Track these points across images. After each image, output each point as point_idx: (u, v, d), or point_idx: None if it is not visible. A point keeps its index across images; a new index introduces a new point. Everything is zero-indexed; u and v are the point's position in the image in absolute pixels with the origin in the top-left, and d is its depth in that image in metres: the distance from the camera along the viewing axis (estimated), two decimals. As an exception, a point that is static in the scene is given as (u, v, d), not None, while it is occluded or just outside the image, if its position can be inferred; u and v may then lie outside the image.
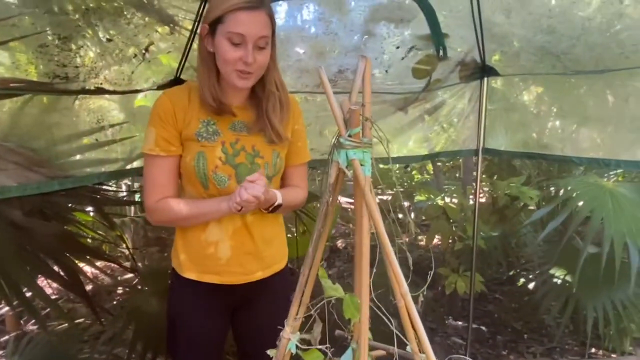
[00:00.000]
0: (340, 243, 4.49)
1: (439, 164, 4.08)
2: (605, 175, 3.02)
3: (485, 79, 2.07)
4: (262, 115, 1.16)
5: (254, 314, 1.29)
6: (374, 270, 0.68)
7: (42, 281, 1.94)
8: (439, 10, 1.68)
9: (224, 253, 1.17)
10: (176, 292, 1.25)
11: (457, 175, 4.89)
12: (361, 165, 0.69)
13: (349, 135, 0.68)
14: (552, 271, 2.70)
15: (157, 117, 1.12)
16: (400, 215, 3.54)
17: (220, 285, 1.19)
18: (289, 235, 2.90)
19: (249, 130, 1.17)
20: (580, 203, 2.47)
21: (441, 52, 1.83)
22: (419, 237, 4.07)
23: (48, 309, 2.12)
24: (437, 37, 1.78)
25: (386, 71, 1.90)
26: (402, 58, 1.86)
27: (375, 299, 0.76)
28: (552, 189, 3.20)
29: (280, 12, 1.69)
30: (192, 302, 1.22)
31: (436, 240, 3.23)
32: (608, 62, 1.63)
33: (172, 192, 1.16)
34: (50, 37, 1.34)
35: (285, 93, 1.21)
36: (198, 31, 1.19)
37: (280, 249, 1.30)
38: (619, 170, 2.95)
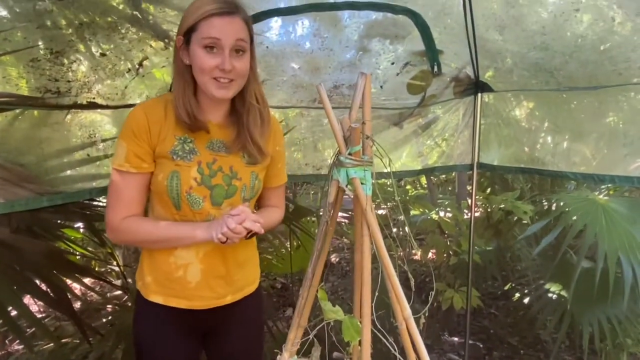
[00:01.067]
0: (334, 258, 4.45)
1: (433, 178, 4.09)
2: (597, 189, 3.04)
3: (479, 94, 2.09)
4: (242, 130, 1.11)
5: (225, 338, 1.23)
6: (376, 294, 0.65)
7: (27, 299, 1.88)
8: (433, 27, 1.69)
9: (194, 277, 1.11)
10: (141, 316, 1.18)
11: (451, 189, 4.90)
12: (362, 183, 0.67)
13: (349, 154, 0.67)
14: (547, 286, 2.69)
15: (130, 132, 1.05)
16: (395, 230, 3.52)
17: (188, 310, 1.13)
18: (282, 250, 2.88)
19: (228, 150, 1.12)
20: (574, 218, 2.48)
21: (435, 68, 1.84)
22: (414, 251, 4.05)
23: (34, 328, 2.05)
24: (431, 53, 1.79)
25: (381, 87, 1.91)
26: (397, 74, 1.87)
27: (375, 321, 0.74)
28: (545, 203, 3.22)
29: (275, 27, 1.69)
30: (159, 327, 1.15)
31: (430, 254, 3.21)
32: (601, 78, 1.65)
33: (139, 210, 1.09)
34: (42, 52, 1.32)
35: (266, 107, 1.16)
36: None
37: (252, 271, 1.25)
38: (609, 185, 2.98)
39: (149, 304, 1.14)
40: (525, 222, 2.91)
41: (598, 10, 1.44)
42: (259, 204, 1.27)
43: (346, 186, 0.67)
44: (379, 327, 0.73)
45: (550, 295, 2.66)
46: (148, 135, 1.06)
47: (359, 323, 0.72)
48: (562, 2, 1.44)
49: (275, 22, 1.66)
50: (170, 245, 1.09)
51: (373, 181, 0.72)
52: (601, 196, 2.86)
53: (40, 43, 1.31)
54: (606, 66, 1.57)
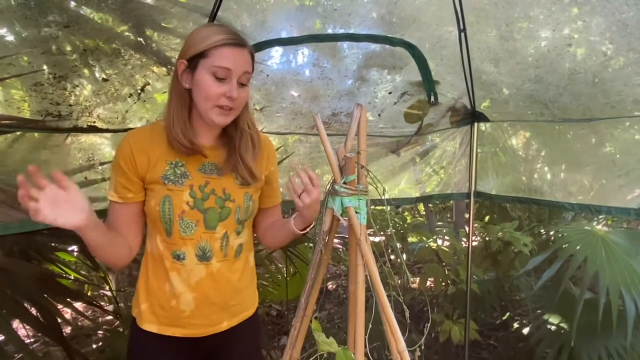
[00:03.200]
0: (330, 285, 4.39)
1: (431, 205, 4.08)
2: (595, 219, 3.04)
3: (476, 124, 2.12)
4: (234, 153, 1.12)
5: None
6: (370, 326, 0.64)
7: (16, 322, 1.84)
8: (430, 58, 1.73)
9: (187, 305, 1.10)
10: (136, 344, 1.15)
11: (449, 216, 4.90)
12: (356, 212, 0.67)
13: (344, 183, 0.67)
14: (546, 317, 2.65)
15: (117, 163, 1.07)
16: (392, 257, 3.50)
17: (183, 338, 1.11)
18: (279, 276, 2.85)
19: (220, 172, 1.11)
20: (577, 248, 2.46)
21: (432, 98, 1.88)
22: (411, 280, 4.00)
23: (21, 354, 2.00)
24: (428, 83, 1.83)
25: (379, 115, 1.94)
26: (395, 103, 1.90)
27: (370, 352, 0.72)
28: (542, 232, 3.21)
29: (276, 56, 1.73)
30: (153, 356, 1.12)
31: (428, 283, 3.17)
32: (594, 110, 1.68)
33: (131, 234, 1.10)
34: (45, 76, 1.34)
35: (257, 132, 1.17)
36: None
37: (249, 296, 1.22)
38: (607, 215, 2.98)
39: (144, 332, 1.11)
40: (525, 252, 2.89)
41: (590, 46, 1.48)
42: (257, 227, 1.26)
43: (341, 215, 0.67)
44: (377, 357, 0.72)
45: (549, 326, 2.61)
46: (133, 165, 1.06)
47: (352, 355, 0.71)
48: (555, 37, 1.48)
49: (276, 52, 1.70)
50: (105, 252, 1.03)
51: (368, 210, 0.71)
52: (599, 226, 2.86)
53: (44, 68, 1.33)
54: (599, 99, 1.60)
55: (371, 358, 0.72)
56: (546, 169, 2.21)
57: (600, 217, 3.05)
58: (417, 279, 3.17)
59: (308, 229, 1.07)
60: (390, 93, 1.86)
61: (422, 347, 0.76)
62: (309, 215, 1.02)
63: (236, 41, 1.03)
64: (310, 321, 0.71)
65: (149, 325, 1.11)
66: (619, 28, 1.38)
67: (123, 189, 1.07)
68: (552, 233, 3.11)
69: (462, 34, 1.58)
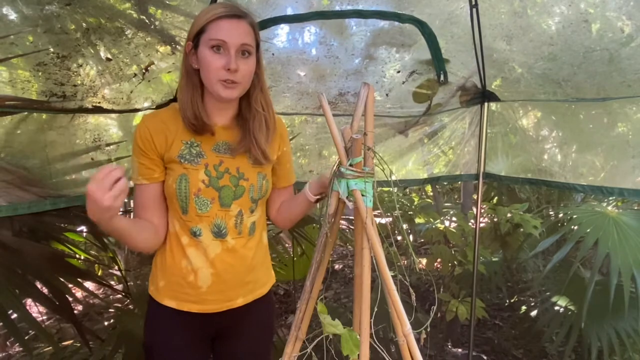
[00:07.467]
0: (337, 265, 4.43)
1: (438, 186, 4.06)
2: (605, 200, 3.00)
3: (486, 104, 2.07)
4: (248, 134, 1.13)
5: (235, 341, 1.23)
6: (376, 309, 0.64)
7: (29, 301, 1.88)
8: (440, 36, 1.68)
9: (205, 281, 1.12)
10: (153, 320, 1.19)
11: (456, 197, 4.87)
12: (362, 195, 0.66)
13: (350, 165, 0.65)
14: (554, 299, 2.65)
15: (137, 147, 1.10)
16: (399, 238, 3.49)
17: (200, 313, 1.15)
18: (286, 256, 2.87)
19: (233, 152, 1.14)
20: (587, 231, 2.43)
21: (442, 77, 1.83)
22: (418, 260, 4.01)
23: (34, 332, 2.05)
24: (437, 62, 1.78)
25: (387, 94, 1.90)
26: (403, 82, 1.86)
27: (374, 335, 0.72)
28: (552, 214, 3.18)
29: (282, 34, 1.69)
30: (170, 331, 1.17)
31: (435, 264, 3.18)
32: (609, 90, 1.63)
33: (158, 215, 1.14)
34: (49, 56, 1.33)
35: (271, 113, 1.18)
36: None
37: (263, 274, 1.25)
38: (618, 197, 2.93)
39: (162, 308, 1.15)
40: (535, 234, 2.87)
41: (607, 21, 1.43)
42: (270, 208, 1.29)
43: (347, 198, 0.66)
44: (383, 336, 0.72)
45: (556, 308, 2.62)
46: (153, 146, 1.09)
47: (358, 337, 0.71)
48: (570, 13, 1.42)
49: (282, 30, 1.66)
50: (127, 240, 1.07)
51: (374, 193, 0.70)
52: (610, 207, 2.82)
53: (49, 47, 1.32)
54: (615, 78, 1.55)
55: (376, 340, 0.72)
56: (557, 150, 2.16)
57: (610, 198, 3.01)
58: (424, 260, 3.17)
59: (322, 196, 1.11)
60: (398, 72, 1.82)
61: (428, 330, 0.75)
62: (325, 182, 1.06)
63: (231, 13, 1.03)
64: (316, 303, 0.71)
65: (169, 301, 1.14)
66: (637, 3, 1.32)
67: (147, 170, 1.10)
68: (561, 215, 3.08)
69: (474, 10, 1.53)
